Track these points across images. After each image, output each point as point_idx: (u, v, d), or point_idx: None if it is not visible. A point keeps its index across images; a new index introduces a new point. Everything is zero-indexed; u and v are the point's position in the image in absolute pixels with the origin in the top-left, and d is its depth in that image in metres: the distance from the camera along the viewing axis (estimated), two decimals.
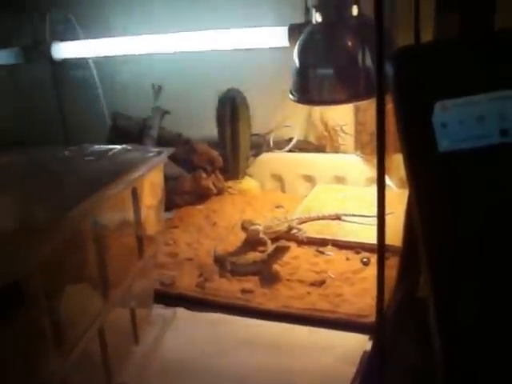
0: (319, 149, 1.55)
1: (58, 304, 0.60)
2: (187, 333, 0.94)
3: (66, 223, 0.61)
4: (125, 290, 0.79)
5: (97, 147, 0.87)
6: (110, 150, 0.84)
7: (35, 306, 0.57)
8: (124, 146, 0.86)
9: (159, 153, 0.84)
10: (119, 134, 1.54)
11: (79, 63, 1.69)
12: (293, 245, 1.15)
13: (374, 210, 0.71)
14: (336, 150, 1.51)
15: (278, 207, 1.41)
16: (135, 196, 0.79)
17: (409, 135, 0.55)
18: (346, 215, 1.27)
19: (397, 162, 1.14)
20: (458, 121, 0.53)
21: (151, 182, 0.84)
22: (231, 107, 1.47)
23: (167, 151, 0.86)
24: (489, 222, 0.55)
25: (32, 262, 0.55)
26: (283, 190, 1.54)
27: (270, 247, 1.13)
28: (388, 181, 1.27)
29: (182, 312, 0.99)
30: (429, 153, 0.53)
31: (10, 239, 0.57)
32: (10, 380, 0.55)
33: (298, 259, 1.12)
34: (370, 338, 0.87)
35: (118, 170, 0.75)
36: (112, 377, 0.77)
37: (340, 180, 1.48)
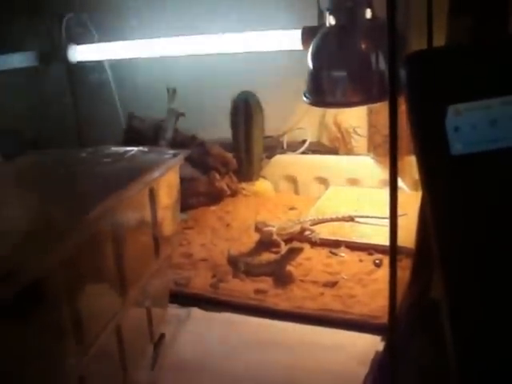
0: (332, 151, 1.55)
1: (78, 302, 0.62)
2: (202, 332, 0.95)
3: (86, 223, 0.62)
4: (141, 290, 0.80)
5: (114, 149, 0.89)
6: (127, 151, 0.86)
7: (56, 304, 0.58)
8: (140, 147, 0.88)
9: (175, 155, 0.86)
10: (134, 135, 1.56)
11: (95, 66, 1.71)
12: (306, 246, 1.16)
13: (387, 212, 0.72)
14: (349, 152, 1.52)
15: (291, 209, 1.42)
16: (152, 197, 0.80)
17: (422, 139, 0.55)
18: (359, 217, 1.28)
19: (410, 164, 1.15)
20: (470, 124, 0.54)
21: (168, 183, 0.85)
22: (245, 109, 1.48)
23: (183, 153, 0.88)
24: (502, 223, 0.55)
25: (53, 262, 0.57)
26: (296, 191, 1.55)
27: (284, 248, 1.14)
28: (401, 183, 1.28)
29: (196, 312, 1.00)
30: (442, 156, 0.54)
31: (32, 239, 0.58)
32: (32, 376, 0.56)
33: (311, 260, 1.13)
34: (382, 339, 0.88)
35: (136, 172, 0.76)
36: (128, 374, 0.78)
37: (353, 182, 1.49)
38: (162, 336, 0.87)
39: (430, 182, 0.56)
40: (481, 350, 0.57)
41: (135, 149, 0.86)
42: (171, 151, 0.87)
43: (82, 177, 0.79)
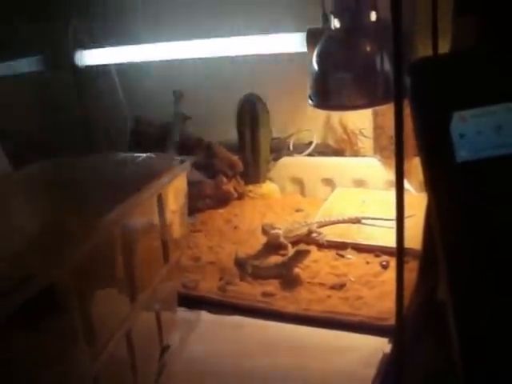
0: (338, 152, 1.55)
1: (89, 307, 0.63)
2: (210, 335, 0.96)
3: (98, 229, 0.63)
4: (151, 294, 0.81)
5: (123, 155, 0.90)
6: (136, 157, 0.87)
7: (68, 308, 0.59)
8: (148, 154, 0.89)
9: (182, 161, 0.87)
10: (140, 138, 1.57)
11: (102, 70, 1.72)
12: (313, 248, 1.17)
13: (394, 214, 0.72)
14: (355, 154, 1.52)
15: (298, 211, 1.42)
16: (161, 202, 0.81)
17: (427, 145, 0.56)
18: (365, 218, 1.28)
19: (416, 165, 1.15)
20: (475, 131, 0.54)
21: (175, 188, 0.86)
22: (251, 112, 1.48)
23: (190, 159, 0.89)
24: (507, 229, 0.55)
25: (65, 267, 0.58)
26: (303, 193, 1.55)
27: (291, 251, 1.15)
28: (407, 184, 1.28)
29: (205, 315, 1.01)
30: (447, 163, 0.54)
31: (44, 245, 0.59)
32: (44, 380, 0.57)
33: (319, 262, 1.13)
34: (389, 341, 0.88)
35: (144, 178, 0.77)
36: (138, 378, 0.79)
37: (359, 183, 1.49)
38: (171, 340, 0.88)
39: (435, 189, 0.56)
40: (487, 351, 0.58)
41: (143, 155, 0.87)
42: (178, 157, 0.88)
43: (92, 183, 0.80)
